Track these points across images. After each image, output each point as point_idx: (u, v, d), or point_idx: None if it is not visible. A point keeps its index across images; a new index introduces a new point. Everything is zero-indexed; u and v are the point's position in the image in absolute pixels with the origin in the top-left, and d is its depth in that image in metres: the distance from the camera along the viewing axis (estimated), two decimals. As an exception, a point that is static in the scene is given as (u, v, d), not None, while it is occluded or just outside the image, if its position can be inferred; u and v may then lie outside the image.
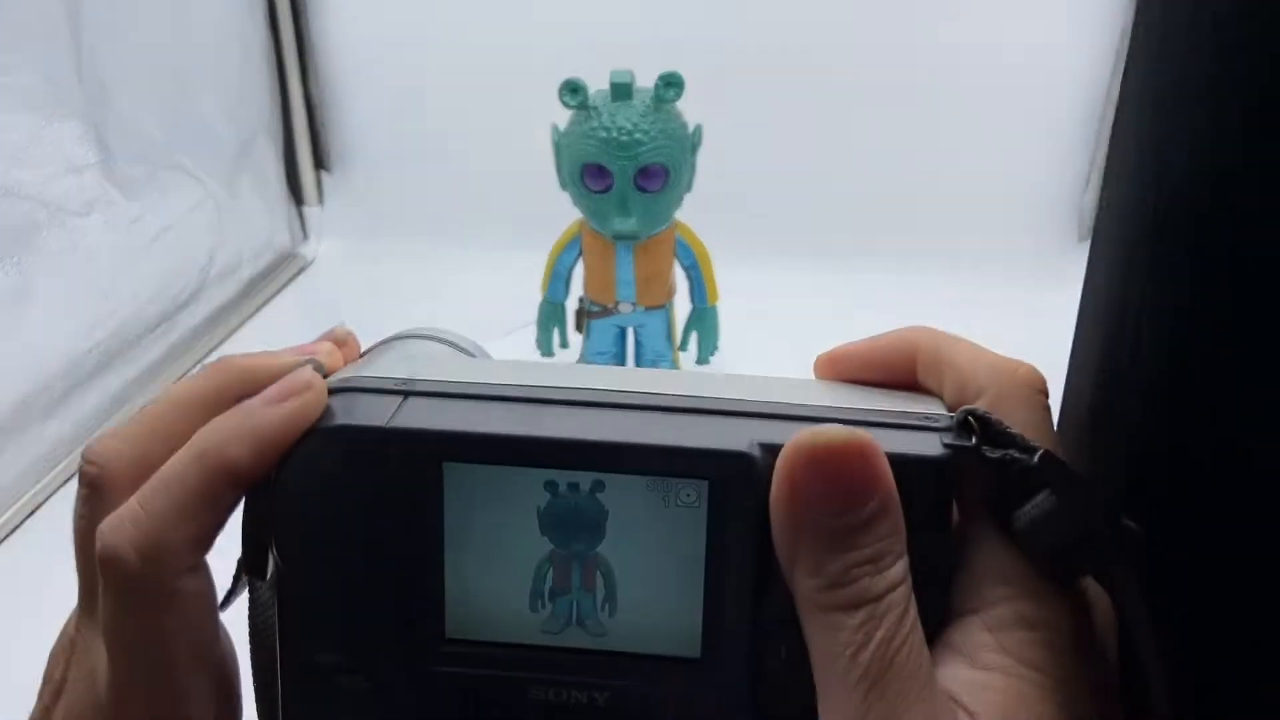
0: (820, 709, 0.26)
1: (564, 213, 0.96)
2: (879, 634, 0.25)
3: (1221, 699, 0.30)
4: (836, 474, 0.26)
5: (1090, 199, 1.32)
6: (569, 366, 0.30)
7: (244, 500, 0.30)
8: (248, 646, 0.34)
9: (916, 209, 1.25)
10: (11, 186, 0.87)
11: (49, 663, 0.32)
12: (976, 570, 0.28)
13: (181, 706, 0.30)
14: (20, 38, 0.89)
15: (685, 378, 0.32)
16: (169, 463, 0.29)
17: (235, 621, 0.33)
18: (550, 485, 0.28)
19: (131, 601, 0.28)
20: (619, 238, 0.88)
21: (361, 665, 0.29)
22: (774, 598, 0.28)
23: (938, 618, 0.28)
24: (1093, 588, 0.30)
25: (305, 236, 1.46)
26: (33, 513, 0.93)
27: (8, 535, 0.90)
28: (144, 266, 1.07)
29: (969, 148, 1.27)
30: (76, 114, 0.96)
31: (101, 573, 0.28)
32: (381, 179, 1.44)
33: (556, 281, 0.97)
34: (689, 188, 0.91)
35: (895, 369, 0.32)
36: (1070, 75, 1.27)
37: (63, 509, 0.92)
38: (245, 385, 0.30)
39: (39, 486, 0.94)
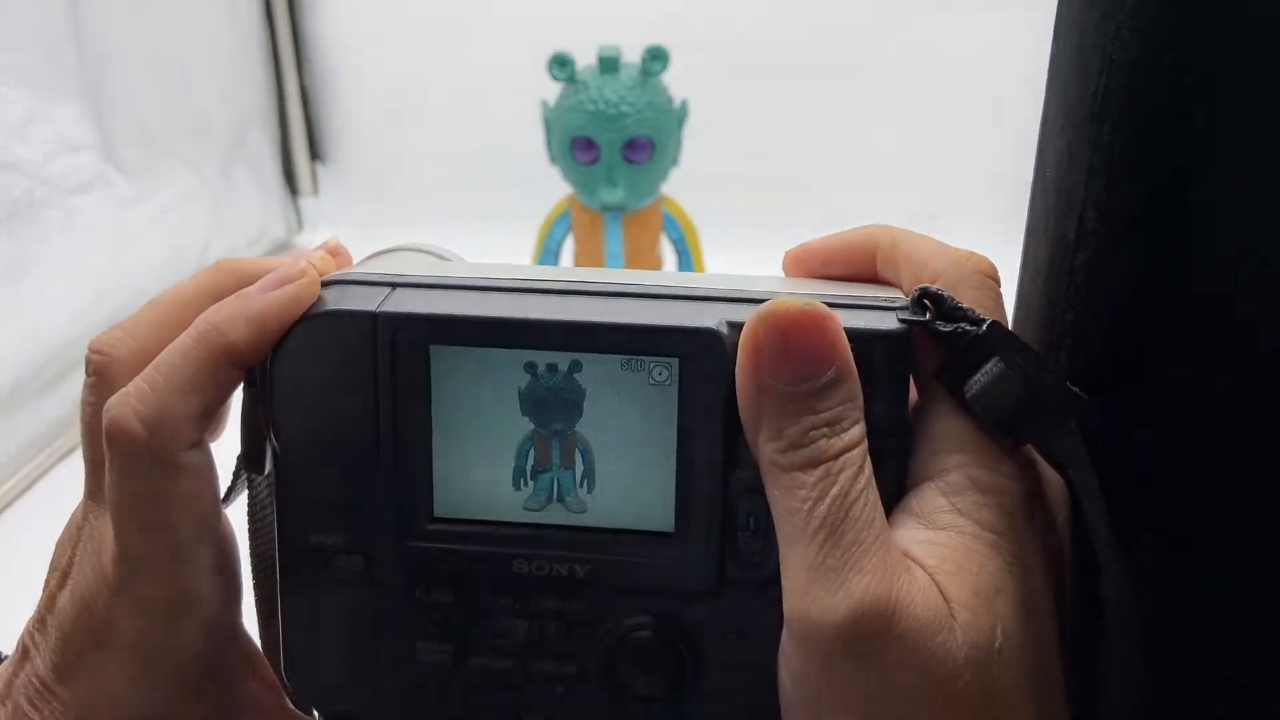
0: (782, 566, 0.27)
1: (556, 198, 0.97)
2: (834, 490, 0.26)
3: (1171, 564, 0.31)
4: (796, 340, 0.27)
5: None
6: (548, 267, 0.32)
7: (243, 395, 0.31)
8: (248, 544, 0.35)
9: (899, 190, 1.27)
10: (11, 162, 0.88)
11: (55, 551, 0.33)
12: (932, 441, 0.29)
13: (185, 578, 0.31)
14: (20, 13, 0.90)
15: (658, 274, 0.33)
16: (172, 344, 0.30)
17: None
18: (530, 366, 0.29)
19: (137, 470, 0.29)
20: (607, 208, 0.90)
21: (355, 545, 0.31)
22: (741, 471, 0.29)
23: (897, 489, 0.29)
24: (1043, 464, 0.31)
25: (300, 227, 1.47)
26: (25, 490, 0.93)
27: (4, 509, 0.90)
28: (141, 249, 1.08)
29: (951, 134, 1.28)
30: (75, 94, 0.97)
31: (108, 446, 0.30)
32: (376, 170, 1.45)
33: (546, 256, 0.99)
34: (675, 161, 0.93)
35: (857, 263, 0.34)
36: (1039, 65, 1.28)
37: (58, 488, 0.93)
38: (242, 283, 0.32)
39: (33, 464, 0.94)
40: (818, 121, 1.28)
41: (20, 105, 0.89)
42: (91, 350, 0.32)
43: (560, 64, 0.88)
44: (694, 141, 0.94)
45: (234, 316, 0.30)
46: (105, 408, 0.30)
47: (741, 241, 1.09)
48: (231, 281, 0.32)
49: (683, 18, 1.20)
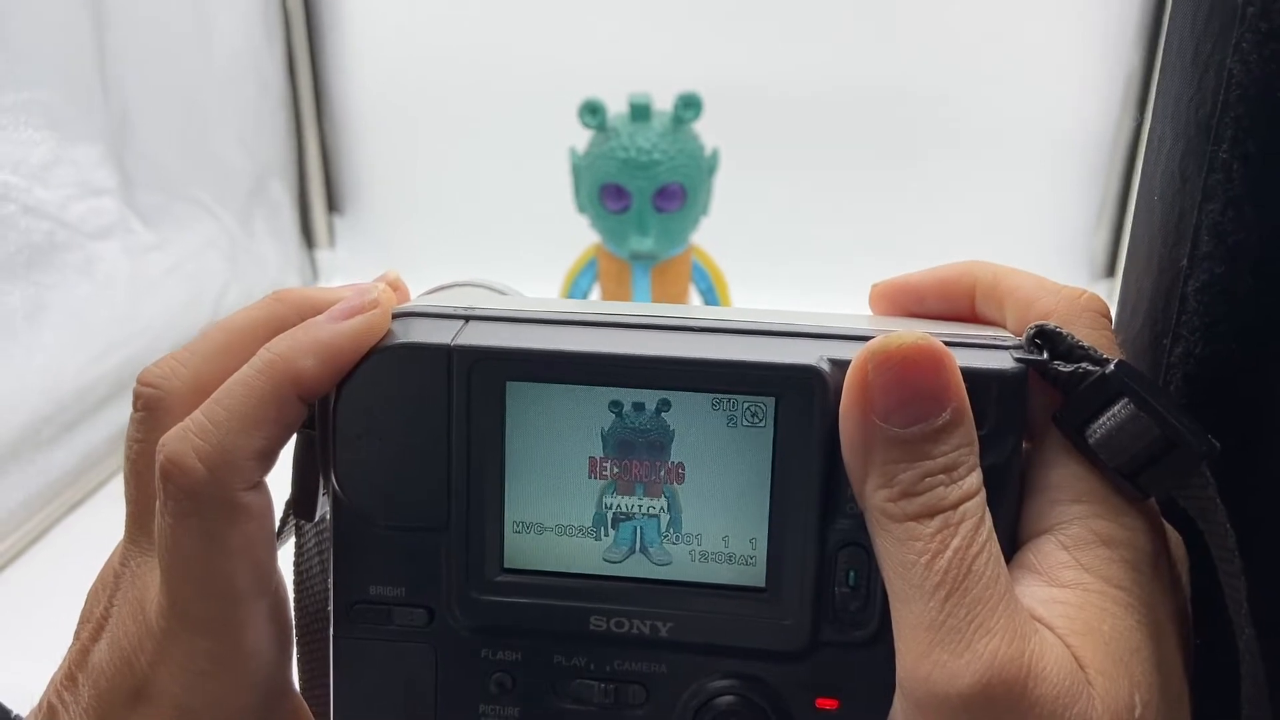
0: (895, 625, 0.25)
1: (580, 249, 0.96)
2: (955, 541, 0.24)
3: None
4: (910, 379, 0.25)
5: (1100, 240, 1.32)
6: (628, 303, 0.30)
7: (296, 434, 0.29)
8: (292, 595, 0.33)
9: (931, 245, 1.26)
10: (31, 204, 0.86)
11: (88, 601, 0.31)
12: (1048, 490, 0.27)
13: (238, 631, 0.29)
14: (44, 53, 0.89)
15: (745, 310, 0.31)
16: (234, 376, 0.28)
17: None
18: (615, 405, 0.28)
19: (195, 512, 0.27)
20: (636, 257, 0.88)
21: (417, 597, 0.29)
22: (841, 521, 0.27)
23: (1011, 538, 0.27)
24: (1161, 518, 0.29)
25: (316, 280, 1.46)
26: (36, 540, 0.90)
27: (11, 561, 0.88)
28: (157, 297, 1.06)
29: (981, 190, 1.28)
30: (97, 137, 0.96)
31: (163, 485, 0.27)
32: (394, 222, 1.44)
33: (572, 307, 0.97)
34: (706, 210, 0.92)
35: (953, 299, 0.32)
36: (1078, 121, 1.29)
37: (70, 538, 0.91)
38: (302, 316, 0.30)
39: (44, 514, 0.92)
40: (849, 177, 1.28)
41: (43, 147, 0.88)
42: (141, 383, 0.30)
43: (591, 111, 0.88)
44: (724, 190, 0.93)
45: (302, 346, 0.28)
46: (160, 444, 0.28)
47: (771, 290, 1.08)
48: (291, 313, 0.31)
49: (714, 74, 1.20)
